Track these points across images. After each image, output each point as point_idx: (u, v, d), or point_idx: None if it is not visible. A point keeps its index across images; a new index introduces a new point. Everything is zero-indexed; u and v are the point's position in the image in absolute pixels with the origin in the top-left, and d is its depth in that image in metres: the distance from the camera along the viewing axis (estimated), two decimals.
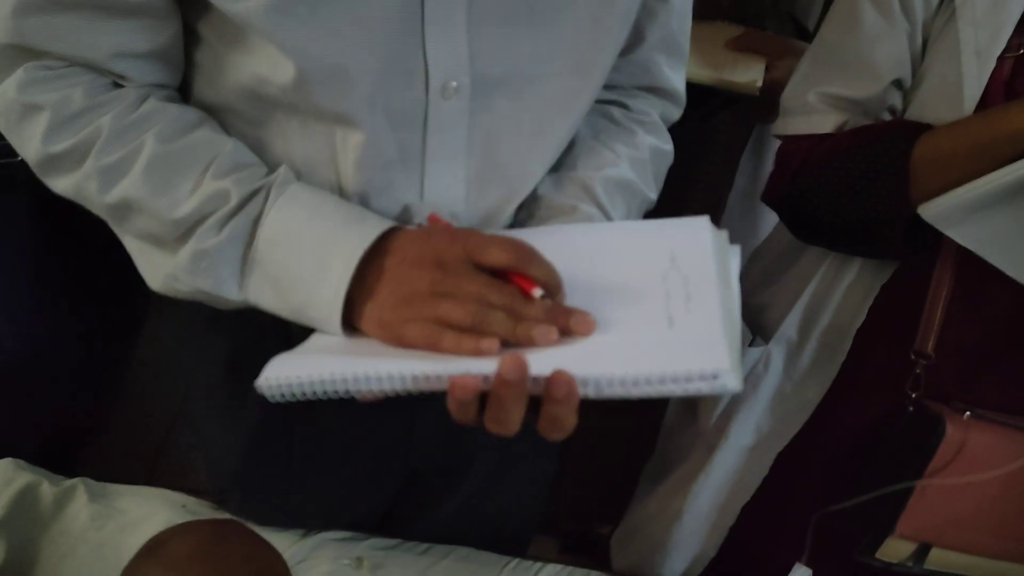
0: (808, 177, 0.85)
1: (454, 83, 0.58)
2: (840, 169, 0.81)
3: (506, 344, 0.51)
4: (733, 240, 0.59)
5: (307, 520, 0.88)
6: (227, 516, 0.87)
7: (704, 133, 0.76)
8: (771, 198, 0.92)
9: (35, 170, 0.60)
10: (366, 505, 0.88)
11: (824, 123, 0.85)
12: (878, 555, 0.88)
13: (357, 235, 0.55)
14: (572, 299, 0.54)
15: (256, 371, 0.52)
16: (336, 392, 0.50)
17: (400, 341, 0.52)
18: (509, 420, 0.49)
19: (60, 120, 0.56)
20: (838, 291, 0.90)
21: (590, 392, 0.48)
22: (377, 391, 0.50)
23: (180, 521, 0.61)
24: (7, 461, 0.88)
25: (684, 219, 0.59)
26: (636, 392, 0.47)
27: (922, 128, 0.78)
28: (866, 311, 0.87)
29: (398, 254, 0.55)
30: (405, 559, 0.87)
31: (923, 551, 0.87)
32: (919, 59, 0.82)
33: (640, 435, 1.24)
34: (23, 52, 0.56)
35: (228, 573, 0.54)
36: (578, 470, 1.59)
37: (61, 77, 0.56)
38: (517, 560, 0.89)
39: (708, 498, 1.03)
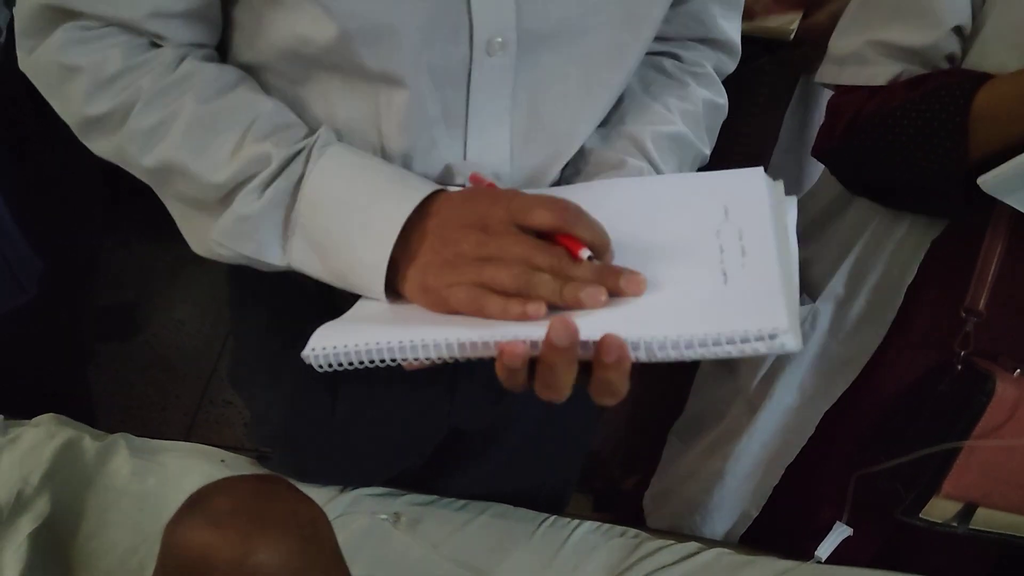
0: (860, 133, 0.81)
1: (499, 39, 0.56)
2: (895, 125, 0.77)
3: (553, 307, 0.49)
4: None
5: (347, 477, 0.88)
6: (267, 471, 0.88)
7: (745, 81, 0.73)
8: (821, 152, 0.89)
9: (76, 132, 0.59)
10: (406, 462, 0.88)
11: (877, 75, 0.80)
12: (922, 515, 0.86)
13: (400, 198, 0.53)
14: (621, 257, 0.52)
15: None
16: (383, 361, 0.49)
17: (444, 306, 0.51)
18: (560, 386, 0.47)
19: (98, 82, 0.55)
20: (888, 246, 0.87)
21: (641, 356, 0.46)
22: (424, 359, 0.48)
23: (220, 475, 0.61)
24: (48, 416, 0.90)
25: (737, 170, 0.57)
26: (690, 355, 0.45)
27: (982, 79, 0.73)
28: (916, 267, 0.85)
29: (441, 216, 0.54)
30: (442, 515, 0.88)
31: (969, 511, 0.86)
32: (980, 0, 0.78)
33: (670, 391, 1.22)
34: (61, 13, 0.55)
35: (271, 528, 0.54)
36: (608, 426, 1.60)
37: (99, 38, 0.55)
38: (554, 518, 0.89)
39: (751, 459, 1.01)
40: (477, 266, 0.51)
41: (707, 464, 1.06)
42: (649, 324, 0.46)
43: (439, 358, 0.48)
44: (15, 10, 0.57)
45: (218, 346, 1.90)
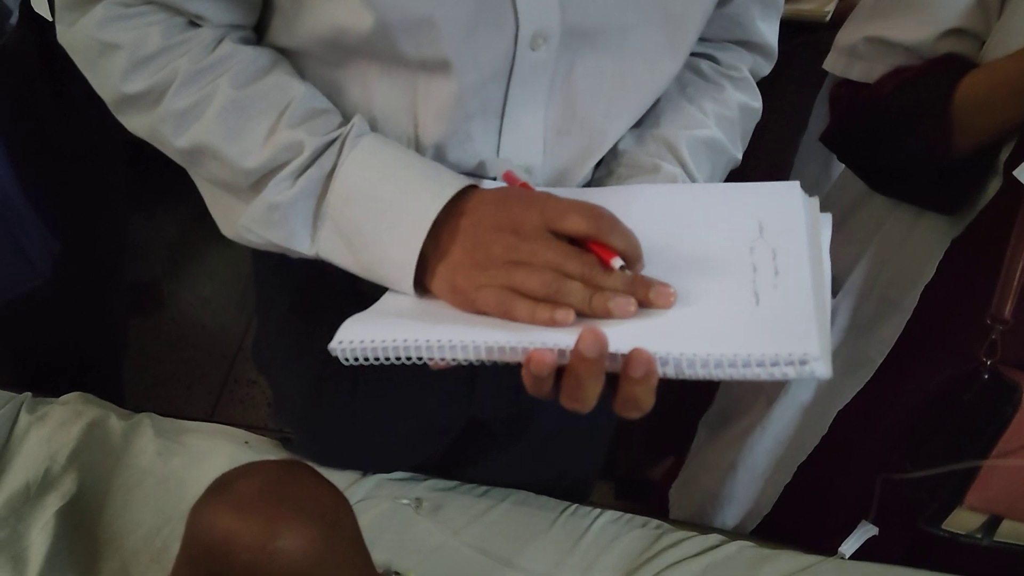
0: (852, 120, 0.84)
1: (543, 34, 0.55)
2: (884, 112, 0.79)
3: (582, 315, 0.49)
4: (805, 187, 0.55)
5: (368, 463, 0.89)
6: (290, 455, 0.88)
7: (776, 66, 0.72)
8: (823, 138, 0.90)
9: (111, 108, 0.60)
10: (426, 450, 0.88)
11: (868, 74, 0.82)
12: (945, 525, 0.85)
13: (432, 193, 0.53)
14: (652, 267, 0.52)
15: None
16: (409, 359, 0.49)
17: (472, 307, 0.51)
18: (585, 397, 0.47)
19: (136, 60, 0.56)
20: (905, 243, 0.86)
21: (669, 371, 0.46)
22: (450, 359, 0.48)
23: (243, 457, 0.62)
24: (75, 395, 0.91)
25: (773, 184, 0.56)
26: (718, 374, 0.45)
27: (967, 67, 0.73)
28: (935, 267, 0.83)
29: (473, 216, 0.53)
30: (463, 501, 0.88)
31: (994, 523, 0.84)
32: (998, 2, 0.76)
33: (700, 382, 1.22)
34: None
35: (294, 513, 0.55)
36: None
37: (139, 15, 0.56)
38: (575, 506, 0.89)
39: (764, 453, 1.01)
40: (507, 269, 0.51)
41: (724, 455, 1.06)
42: (678, 340, 0.46)
43: (466, 360, 0.48)
44: None
45: (244, 324, 1.91)
